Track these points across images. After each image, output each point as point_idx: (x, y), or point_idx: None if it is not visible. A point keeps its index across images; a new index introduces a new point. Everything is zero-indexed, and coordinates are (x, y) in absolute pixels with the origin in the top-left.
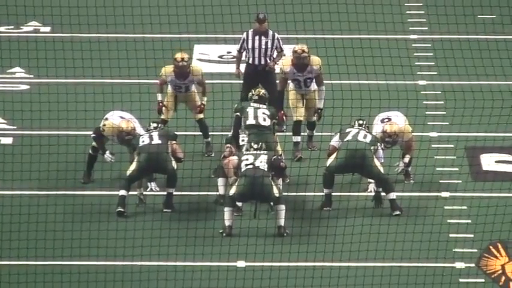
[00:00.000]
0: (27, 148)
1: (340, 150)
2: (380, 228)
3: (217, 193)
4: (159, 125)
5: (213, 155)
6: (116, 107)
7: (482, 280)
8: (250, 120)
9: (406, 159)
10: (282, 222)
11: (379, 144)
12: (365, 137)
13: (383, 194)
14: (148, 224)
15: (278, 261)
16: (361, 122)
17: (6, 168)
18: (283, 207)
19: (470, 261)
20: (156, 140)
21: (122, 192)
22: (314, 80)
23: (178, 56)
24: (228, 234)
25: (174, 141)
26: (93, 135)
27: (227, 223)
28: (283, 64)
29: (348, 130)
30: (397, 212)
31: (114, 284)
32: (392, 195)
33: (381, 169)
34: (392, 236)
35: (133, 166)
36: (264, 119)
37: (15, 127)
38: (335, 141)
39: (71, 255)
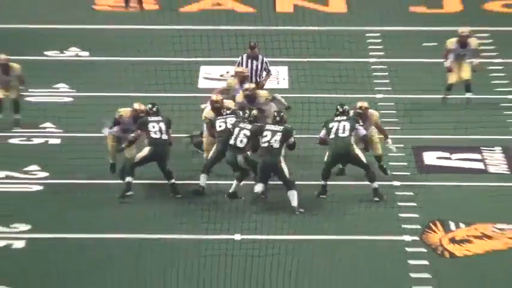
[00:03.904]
0: (71, 147)
1: (329, 147)
2: (347, 209)
3: (200, 184)
4: (154, 107)
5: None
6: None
7: (425, 250)
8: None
9: (389, 141)
10: (295, 203)
11: (357, 124)
12: (344, 129)
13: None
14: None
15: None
16: (342, 108)
17: (56, 162)
18: (295, 192)
19: (415, 235)
20: (164, 135)
21: (129, 179)
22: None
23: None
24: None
25: (170, 129)
26: (111, 130)
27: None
28: (238, 99)
29: (331, 125)
30: (377, 199)
31: (135, 255)
32: (375, 184)
33: (364, 159)
34: (356, 216)
35: (142, 154)
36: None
37: (61, 130)
38: (322, 134)
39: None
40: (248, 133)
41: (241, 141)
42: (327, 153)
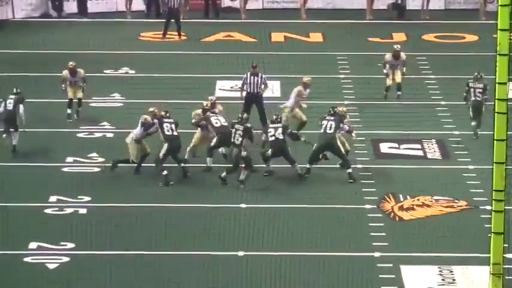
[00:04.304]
0: (122, 140)
1: (318, 139)
2: (324, 185)
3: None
4: (167, 113)
5: None
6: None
7: (381, 215)
8: None
9: (354, 134)
10: (300, 171)
11: (341, 124)
12: (330, 127)
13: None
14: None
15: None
16: (333, 110)
17: (111, 151)
18: (297, 164)
19: (374, 204)
20: (175, 132)
21: (166, 172)
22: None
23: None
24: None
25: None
26: (145, 132)
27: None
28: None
29: (323, 122)
30: (351, 181)
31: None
32: (349, 169)
33: (342, 149)
34: (329, 190)
35: (163, 151)
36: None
37: (114, 127)
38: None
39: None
40: (241, 133)
41: (237, 139)
42: (316, 144)
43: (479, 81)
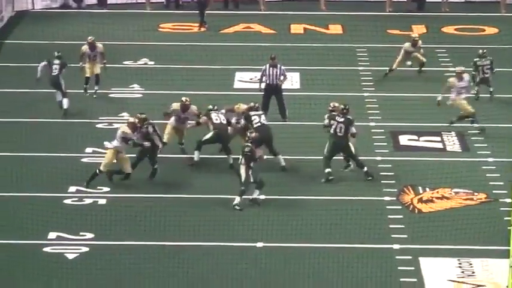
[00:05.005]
0: None
1: (329, 141)
2: (342, 180)
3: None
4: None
5: None
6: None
7: (400, 207)
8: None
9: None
10: (283, 162)
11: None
12: (341, 130)
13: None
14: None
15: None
16: (345, 108)
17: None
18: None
19: (393, 197)
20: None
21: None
22: None
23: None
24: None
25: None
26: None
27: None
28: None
29: (332, 122)
30: (370, 178)
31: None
32: (365, 168)
33: (353, 151)
34: (349, 183)
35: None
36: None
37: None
38: (326, 121)
39: None
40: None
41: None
42: (327, 146)
43: (485, 58)
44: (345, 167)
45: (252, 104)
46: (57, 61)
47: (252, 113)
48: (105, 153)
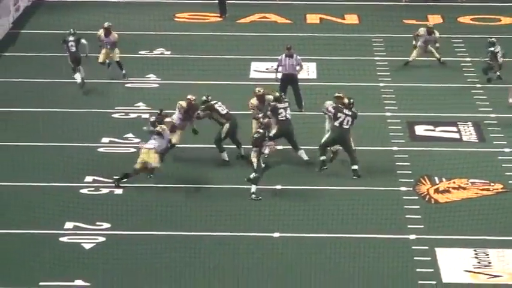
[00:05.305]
0: None
1: (332, 132)
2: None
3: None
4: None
5: None
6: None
7: (416, 198)
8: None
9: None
10: (306, 157)
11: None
12: (347, 123)
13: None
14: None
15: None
16: (350, 102)
17: (147, 132)
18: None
19: (409, 187)
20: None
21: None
22: None
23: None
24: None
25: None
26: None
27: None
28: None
29: (339, 115)
30: (356, 177)
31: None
32: (355, 166)
33: (352, 146)
34: (363, 172)
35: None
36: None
37: (150, 108)
38: (330, 107)
39: None
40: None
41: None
42: (328, 135)
43: (496, 44)
44: (328, 160)
45: (277, 94)
46: (71, 38)
47: (279, 105)
48: (122, 143)
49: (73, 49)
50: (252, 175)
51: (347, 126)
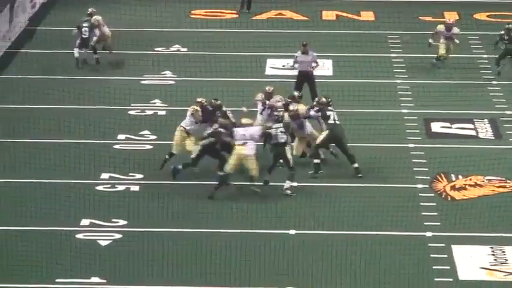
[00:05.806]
0: (174, 117)
1: (329, 130)
2: (371, 168)
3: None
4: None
5: None
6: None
7: (433, 195)
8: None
9: None
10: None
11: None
12: (336, 118)
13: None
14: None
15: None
16: (327, 100)
17: (163, 128)
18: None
19: (426, 184)
20: (337, 121)
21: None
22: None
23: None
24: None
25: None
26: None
27: None
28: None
29: (328, 113)
30: (360, 175)
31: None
32: (356, 164)
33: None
34: (380, 170)
35: (321, 136)
36: None
37: (166, 105)
38: (312, 111)
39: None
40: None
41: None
42: (324, 135)
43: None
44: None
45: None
46: (85, 24)
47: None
48: (138, 140)
49: (85, 35)
50: (290, 173)
51: (338, 122)
